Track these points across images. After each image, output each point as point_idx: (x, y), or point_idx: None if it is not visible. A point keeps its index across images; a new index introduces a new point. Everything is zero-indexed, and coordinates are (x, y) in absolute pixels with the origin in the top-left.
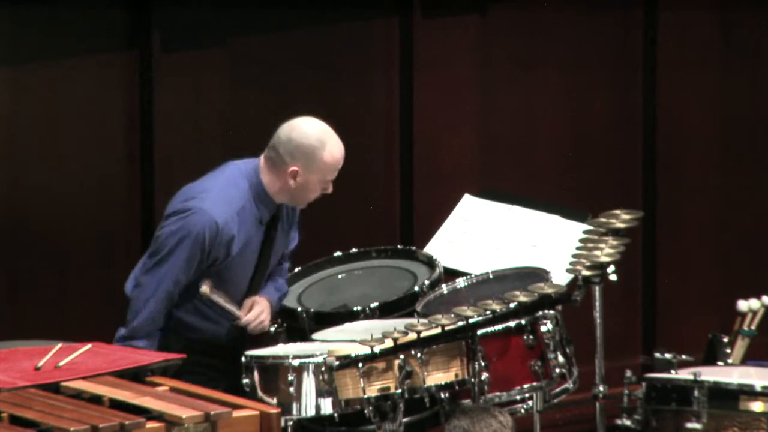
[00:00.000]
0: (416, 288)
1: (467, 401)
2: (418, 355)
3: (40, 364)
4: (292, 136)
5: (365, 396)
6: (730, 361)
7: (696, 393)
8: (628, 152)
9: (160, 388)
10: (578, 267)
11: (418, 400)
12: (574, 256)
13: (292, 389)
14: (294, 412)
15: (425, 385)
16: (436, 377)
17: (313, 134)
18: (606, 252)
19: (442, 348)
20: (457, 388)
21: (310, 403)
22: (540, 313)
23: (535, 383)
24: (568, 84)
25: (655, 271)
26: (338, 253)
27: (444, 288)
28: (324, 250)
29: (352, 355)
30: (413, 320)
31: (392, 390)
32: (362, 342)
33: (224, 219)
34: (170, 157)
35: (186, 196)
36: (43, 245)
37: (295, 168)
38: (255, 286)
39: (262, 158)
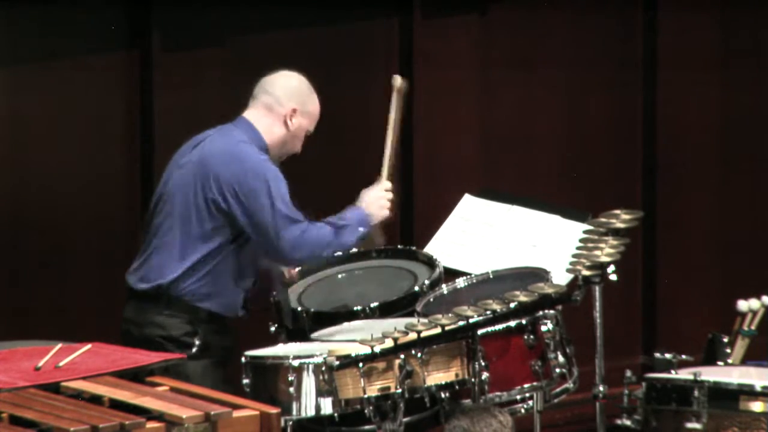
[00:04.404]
0: (416, 288)
1: (467, 401)
2: (419, 354)
3: (40, 364)
4: (287, 81)
5: (365, 396)
6: (730, 361)
7: (696, 393)
8: (628, 152)
9: (160, 388)
10: (578, 267)
11: (418, 399)
12: (574, 256)
13: (292, 389)
14: (294, 412)
15: (425, 385)
16: (437, 377)
17: (304, 82)
18: (606, 252)
19: (442, 348)
20: (457, 388)
21: (310, 403)
22: (540, 313)
23: (535, 383)
24: (568, 84)
25: (655, 271)
26: (338, 253)
27: (444, 288)
28: None
29: (353, 354)
30: (413, 320)
31: (392, 390)
32: (362, 342)
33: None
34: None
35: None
36: (43, 245)
37: (294, 106)
38: None
39: (251, 111)
